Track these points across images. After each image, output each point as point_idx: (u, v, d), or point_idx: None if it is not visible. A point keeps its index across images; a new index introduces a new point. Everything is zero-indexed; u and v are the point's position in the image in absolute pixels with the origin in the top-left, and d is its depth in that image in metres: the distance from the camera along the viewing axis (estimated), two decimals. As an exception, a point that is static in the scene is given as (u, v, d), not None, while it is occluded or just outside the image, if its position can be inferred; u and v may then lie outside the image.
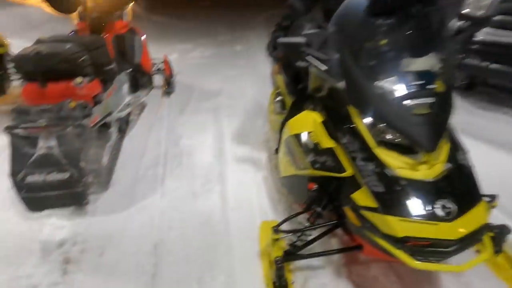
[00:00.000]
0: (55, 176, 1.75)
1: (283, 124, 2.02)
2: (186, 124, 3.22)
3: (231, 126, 3.16)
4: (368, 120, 1.24)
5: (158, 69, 3.94)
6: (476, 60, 3.12)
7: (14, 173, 1.75)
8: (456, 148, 1.25)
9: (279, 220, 1.95)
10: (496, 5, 3.00)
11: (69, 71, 1.99)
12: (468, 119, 3.12)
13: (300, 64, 1.46)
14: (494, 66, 3.01)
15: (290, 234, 1.53)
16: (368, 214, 1.17)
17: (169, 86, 3.88)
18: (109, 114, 2.35)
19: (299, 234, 1.50)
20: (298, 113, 1.69)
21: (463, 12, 3.65)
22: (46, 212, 1.96)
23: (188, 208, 2.11)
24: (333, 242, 1.77)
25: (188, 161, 2.62)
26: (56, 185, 1.77)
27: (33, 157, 1.75)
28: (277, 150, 2.03)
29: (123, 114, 2.61)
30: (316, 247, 1.61)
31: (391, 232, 1.10)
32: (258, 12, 9.05)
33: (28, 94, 2.00)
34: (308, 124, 1.47)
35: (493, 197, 1.30)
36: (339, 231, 1.65)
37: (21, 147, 1.77)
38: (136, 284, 1.61)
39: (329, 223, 1.53)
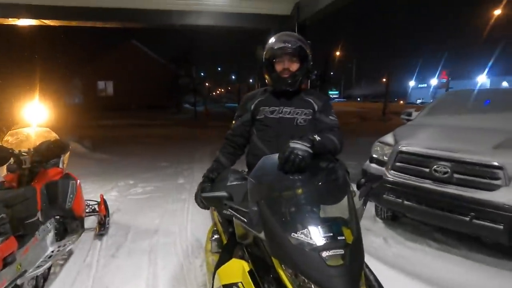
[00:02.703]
0: None
1: (215, 269, 1.97)
2: (117, 271, 2.97)
3: (167, 269, 2.98)
4: (289, 271, 1.24)
5: (93, 210, 3.82)
6: (391, 197, 3.44)
7: None
8: None
9: None
10: (395, 155, 3.57)
11: None
12: (399, 251, 3.29)
13: (226, 213, 1.52)
14: (407, 203, 3.33)
15: None
16: None
17: (102, 228, 3.71)
18: (23, 273, 2.11)
19: None
20: (228, 259, 1.69)
21: (363, 168, 4.25)
22: None
23: None
24: None
25: (114, 320, 2.33)
26: None
27: None
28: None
29: (42, 270, 2.36)
30: None
31: None
32: (204, 145, 9.75)
33: None
34: (237, 274, 1.44)
35: None
36: None
37: None
38: None
39: None
